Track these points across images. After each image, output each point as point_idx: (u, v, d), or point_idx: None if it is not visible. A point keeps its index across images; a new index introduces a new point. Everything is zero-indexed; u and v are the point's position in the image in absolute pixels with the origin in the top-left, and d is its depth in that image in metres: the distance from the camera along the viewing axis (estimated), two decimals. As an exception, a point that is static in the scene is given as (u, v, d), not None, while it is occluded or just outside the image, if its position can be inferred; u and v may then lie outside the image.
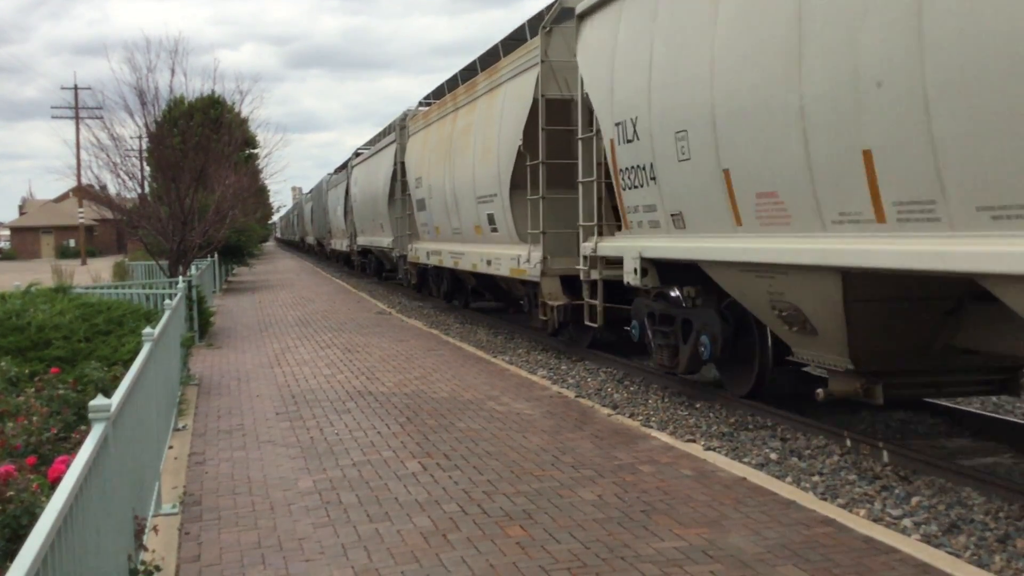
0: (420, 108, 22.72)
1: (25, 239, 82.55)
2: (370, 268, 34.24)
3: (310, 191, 61.62)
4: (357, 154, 34.25)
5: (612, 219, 11.10)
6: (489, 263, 15.28)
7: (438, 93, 21.00)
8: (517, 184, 13.61)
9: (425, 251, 20.65)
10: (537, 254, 12.85)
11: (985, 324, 6.91)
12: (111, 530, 3.87)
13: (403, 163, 22.88)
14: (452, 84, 19.28)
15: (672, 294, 10.38)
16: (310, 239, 62.26)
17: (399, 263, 24.85)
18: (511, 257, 14.03)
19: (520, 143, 13.16)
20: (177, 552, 5.44)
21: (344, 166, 39.31)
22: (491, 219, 15.11)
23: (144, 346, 6.19)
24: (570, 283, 12.58)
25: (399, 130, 24.01)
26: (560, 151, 12.66)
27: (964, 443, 7.94)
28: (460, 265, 17.54)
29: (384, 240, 26.34)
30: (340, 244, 40.48)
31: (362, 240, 31.77)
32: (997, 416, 8.84)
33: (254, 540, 5.62)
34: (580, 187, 11.42)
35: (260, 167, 36.38)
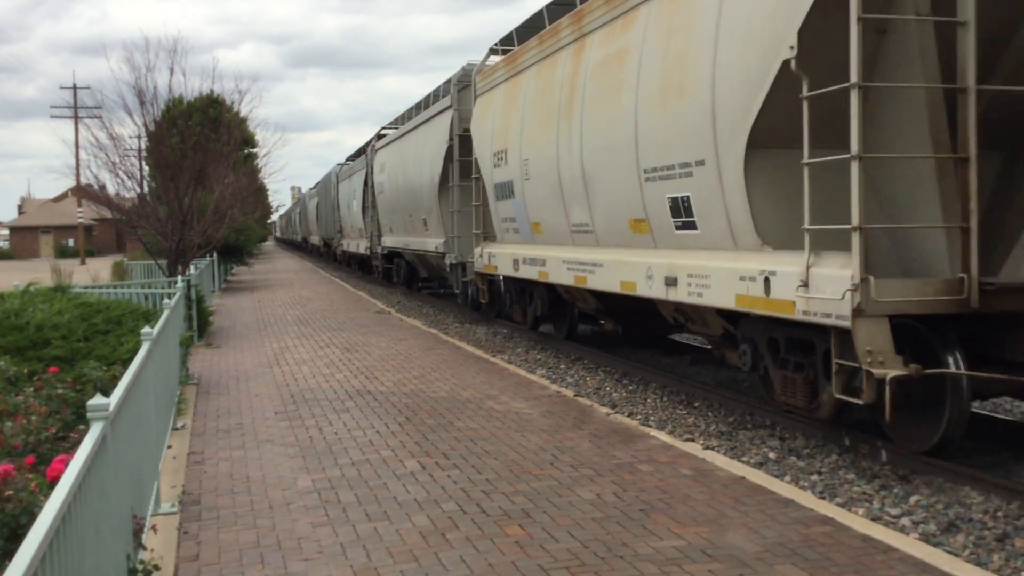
0: (492, 58, 16.24)
1: (24, 239, 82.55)
2: (399, 276, 27.14)
3: (315, 185, 54.64)
4: (380, 135, 27.65)
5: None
6: (673, 283, 9.09)
7: (527, 30, 14.95)
8: (755, 141, 7.72)
9: (511, 258, 14.41)
10: (841, 273, 6.68)
11: None
12: (110, 529, 3.88)
13: (461, 136, 17.26)
14: (558, 10, 13.32)
15: None
16: (315, 239, 55.45)
17: (454, 272, 18.54)
18: (743, 275, 7.89)
19: (792, 53, 6.94)
20: (176, 551, 5.45)
21: (361, 152, 32.81)
22: (681, 207, 8.94)
23: (143, 345, 6.19)
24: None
25: (456, 93, 17.79)
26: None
27: (962, 443, 7.94)
28: (592, 283, 11.18)
29: (430, 241, 20.00)
30: (355, 245, 33.72)
31: (391, 241, 25.16)
32: (995, 415, 8.85)
33: (253, 539, 5.63)
34: None
35: (259, 166, 36.42)
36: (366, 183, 28.94)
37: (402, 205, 22.69)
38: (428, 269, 22.64)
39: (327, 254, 49.80)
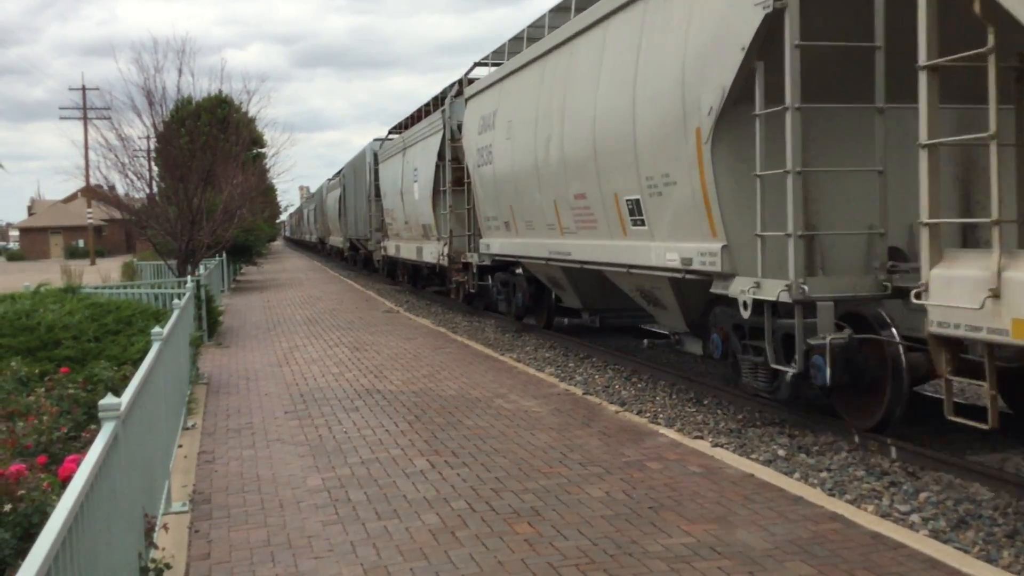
0: None
1: (34, 239, 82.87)
2: (514, 303, 16.40)
3: (337, 173, 44.67)
4: (471, 79, 17.98)
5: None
6: None
7: None
8: None
9: None
10: None
11: None
12: (121, 528, 3.90)
13: None
14: None
15: None
16: (336, 240, 44.88)
17: (754, 318, 8.08)
18: None
19: None
20: (187, 550, 5.48)
21: (423, 114, 22.68)
22: None
23: (153, 345, 6.22)
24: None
25: None
26: None
27: (972, 438, 7.93)
28: None
29: (652, 248, 9.70)
30: (413, 251, 23.11)
31: (506, 245, 15.21)
32: (1005, 411, 8.81)
33: (263, 538, 5.65)
34: None
35: (267, 166, 36.49)
36: (440, 156, 19.35)
37: (550, 180, 12.40)
38: (592, 297, 13.33)
39: (354, 259, 39.12)
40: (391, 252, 26.96)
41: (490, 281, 17.67)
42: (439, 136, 19.44)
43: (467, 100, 17.22)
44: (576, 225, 11.86)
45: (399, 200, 24.17)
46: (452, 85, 19.36)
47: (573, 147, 11.40)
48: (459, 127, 18.07)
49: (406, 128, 24.73)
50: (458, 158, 18.32)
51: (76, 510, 2.89)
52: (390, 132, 28.01)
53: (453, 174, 18.68)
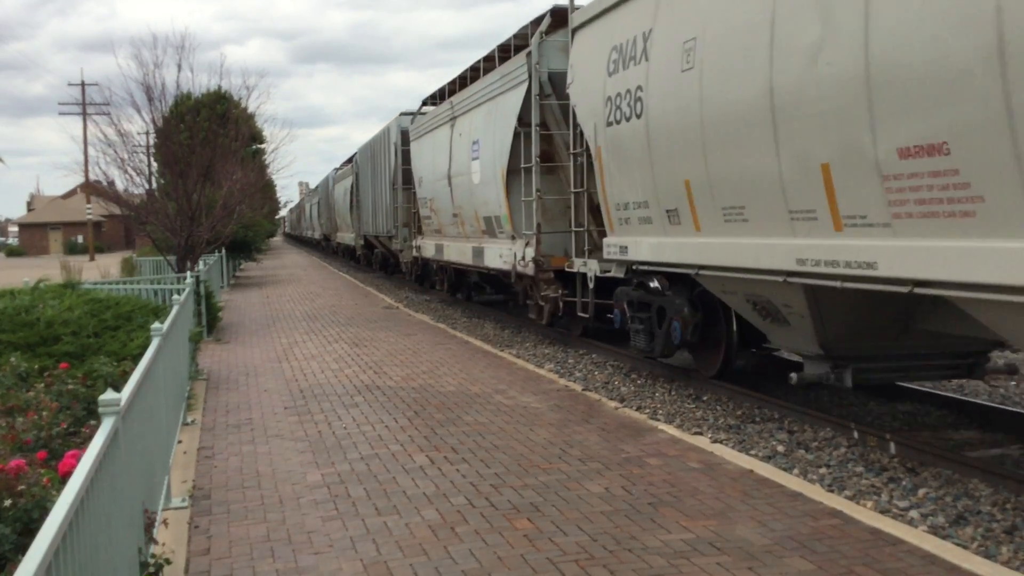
0: None
1: (33, 235, 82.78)
2: None
3: (347, 162, 38.45)
4: None
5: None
6: None
7: None
8: None
9: None
10: None
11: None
12: (121, 524, 3.90)
13: None
14: None
15: None
16: (345, 237, 38.81)
17: None
18: None
19: None
20: (187, 545, 5.48)
21: (486, 69, 16.15)
22: None
23: (153, 341, 6.22)
24: None
25: None
26: None
27: (971, 434, 7.94)
28: None
29: None
30: (463, 251, 17.60)
31: (731, 246, 8.17)
32: (1004, 407, 8.82)
33: (263, 533, 5.66)
34: None
35: (267, 162, 36.40)
36: (522, 121, 13.66)
37: (813, 125, 6.76)
38: (851, 337, 7.95)
39: (368, 259, 33.90)
40: (428, 253, 20.86)
41: (588, 296, 12.45)
42: (521, 91, 13.57)
43: (575, 31, 11.64)
44: (890, 212, 6.24)
45: (444, 186, 18.29)
46: (539, 18, 13.65)
47: (915, 47, 5.74)
48: (549, 78, 13.18)
49: (451, 95, 18.62)
50: (546, 123, 13.43)
51: (76, 505, 2.89)
52: (424, 103, 21.80)
53: (541, 145, 13.41)
